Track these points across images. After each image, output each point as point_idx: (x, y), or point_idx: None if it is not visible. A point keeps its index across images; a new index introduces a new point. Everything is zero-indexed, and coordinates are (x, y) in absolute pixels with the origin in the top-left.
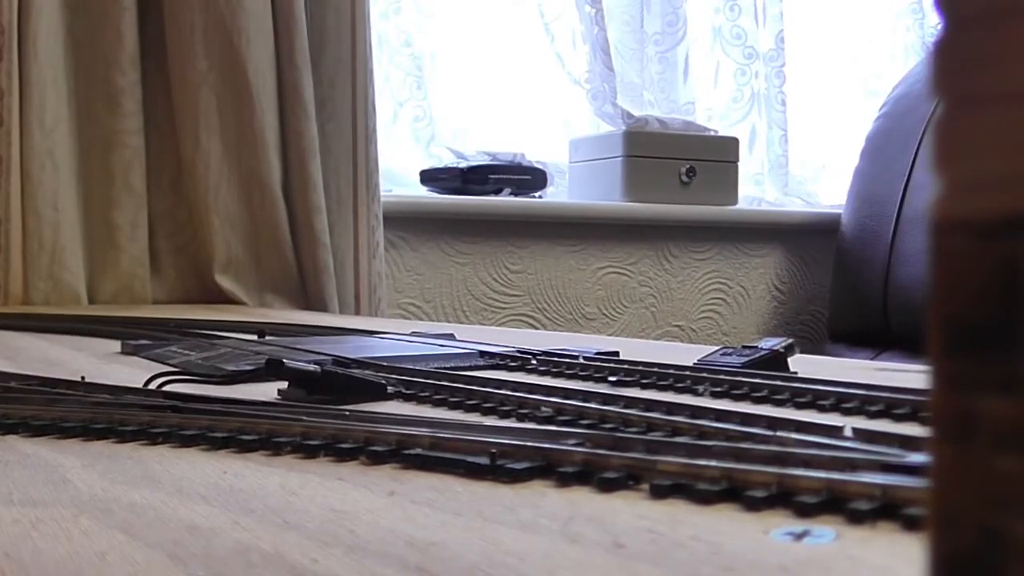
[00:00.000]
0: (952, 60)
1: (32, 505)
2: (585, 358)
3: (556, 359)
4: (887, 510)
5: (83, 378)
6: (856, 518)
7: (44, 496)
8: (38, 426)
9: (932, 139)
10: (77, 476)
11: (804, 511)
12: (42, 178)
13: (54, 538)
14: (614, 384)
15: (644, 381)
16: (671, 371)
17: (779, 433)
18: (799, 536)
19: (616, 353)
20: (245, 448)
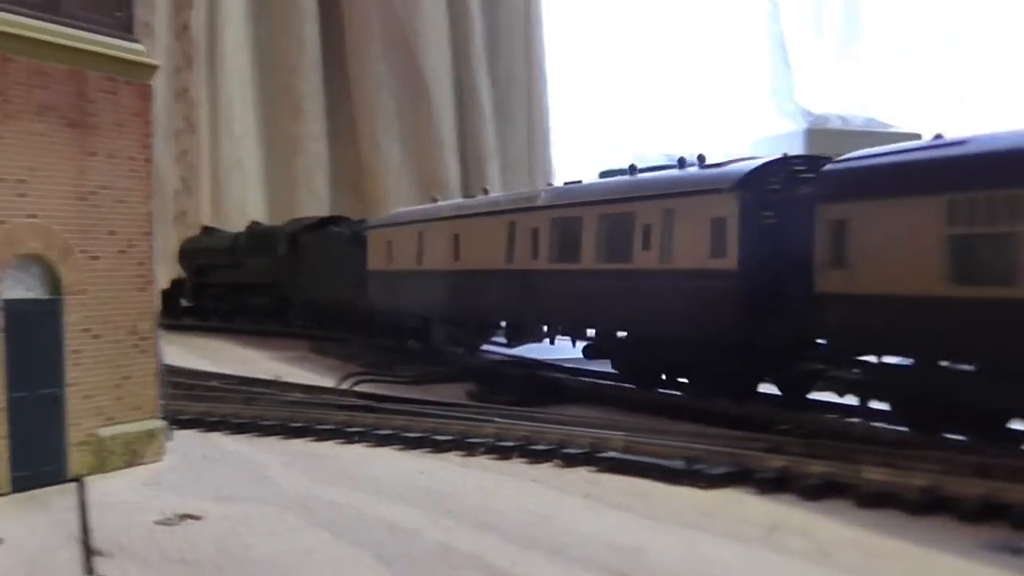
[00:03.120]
0: None
1: (239, 501)
2: None
3: None
4: None
5: (278, 377)
6: None
7: (249, 492)
8: (239, 424)
9: None
10: (279, 473)
11: (1022, 524)
12: (230, 184)
13: (262, 534)
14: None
15: None
16: None
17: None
18: (1017, 551)
19: None
20: (439, 448)
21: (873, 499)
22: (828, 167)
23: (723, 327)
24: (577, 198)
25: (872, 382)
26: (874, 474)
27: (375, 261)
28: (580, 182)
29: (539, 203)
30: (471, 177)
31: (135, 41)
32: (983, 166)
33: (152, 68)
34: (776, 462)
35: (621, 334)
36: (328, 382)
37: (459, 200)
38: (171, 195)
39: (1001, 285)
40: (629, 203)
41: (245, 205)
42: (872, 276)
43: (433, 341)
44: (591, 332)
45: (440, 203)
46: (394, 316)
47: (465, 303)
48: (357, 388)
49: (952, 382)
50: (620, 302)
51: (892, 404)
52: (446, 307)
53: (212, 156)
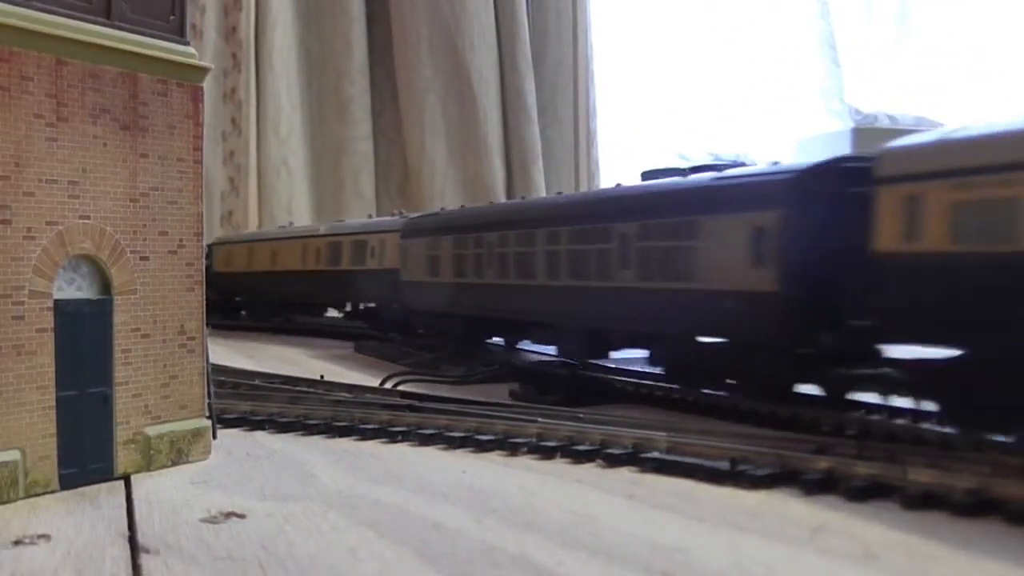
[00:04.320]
0: None
1: (283, 499)
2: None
3: None
4: None
5: (322, 376)
6: None
7: (293, 491)
8: (283, 423)
9: None
10: (323, 472)
11: None
12: (277, 184)
13: (306, 532)
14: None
15: None
16: None
17: None
18: None
19: None
20: (482, 448)
21: (919, 501)
22: (406, 220)
23: (399, 295)
24: (340, 231)
25: (423, 322)
26: (920, 476)
27: (218, 265)
28: (343, 220)
29: (320, 232)
30: (516, 179)
31: (187, 44)
32: (440, 226)
33: (204, 71)
34: (822, 463)
35: (370, 304)
36: (371, 381)
37: (276, 228)
38: (218, 195)
39: (434, 276)
40: (363, 235)
41: (291, 205)
42: (412, 271)
43: (255, 312)
44: (348, 307)
45: (264, 230)
46: (234, 300)
47: (278, 291)
48: (400, 388)
49: (451, 323)
50: (361, 287)
51: (425, 330)
52: (267, 293)
53: (259, 157)
